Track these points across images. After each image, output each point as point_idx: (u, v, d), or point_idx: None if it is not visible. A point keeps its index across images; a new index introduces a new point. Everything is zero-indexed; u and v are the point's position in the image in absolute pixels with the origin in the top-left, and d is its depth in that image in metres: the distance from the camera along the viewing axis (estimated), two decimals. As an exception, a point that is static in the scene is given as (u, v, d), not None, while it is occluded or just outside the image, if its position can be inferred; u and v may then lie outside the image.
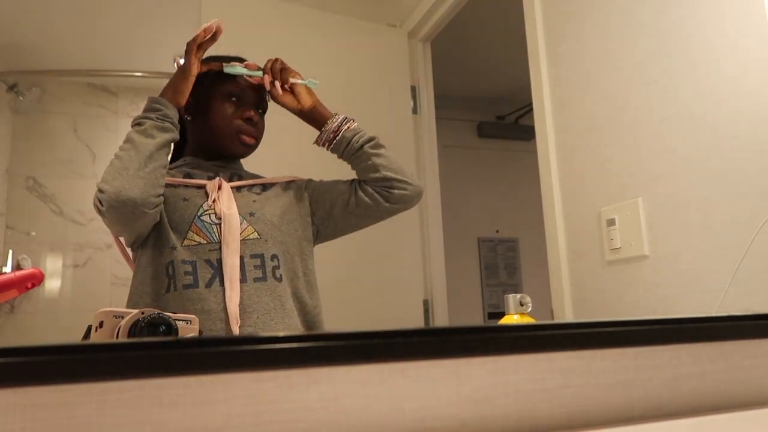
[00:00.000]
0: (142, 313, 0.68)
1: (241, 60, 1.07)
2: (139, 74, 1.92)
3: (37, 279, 0.81)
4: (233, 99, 1.03)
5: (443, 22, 1.86)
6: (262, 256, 0.96)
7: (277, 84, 1.03)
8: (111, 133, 1.87)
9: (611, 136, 1.20)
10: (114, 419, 0.43)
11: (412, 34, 1.93)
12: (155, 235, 0.96)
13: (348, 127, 1.04)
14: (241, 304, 0.92)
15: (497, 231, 2.82)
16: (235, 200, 0.99)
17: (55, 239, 1.77)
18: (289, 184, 1.08)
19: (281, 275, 0.98)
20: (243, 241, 0.95)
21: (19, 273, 0.77)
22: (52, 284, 1.77)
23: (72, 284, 1.77)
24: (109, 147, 1.85)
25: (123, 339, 0.66)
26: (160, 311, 0.69)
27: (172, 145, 0.97)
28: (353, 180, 1.06)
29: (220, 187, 0.99)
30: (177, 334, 0.69)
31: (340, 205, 1.05)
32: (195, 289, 0.93)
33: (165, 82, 1.01)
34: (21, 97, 1.80)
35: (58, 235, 1.77)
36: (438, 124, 1.94)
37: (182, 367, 0.45)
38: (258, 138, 1.06)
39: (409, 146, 1.86)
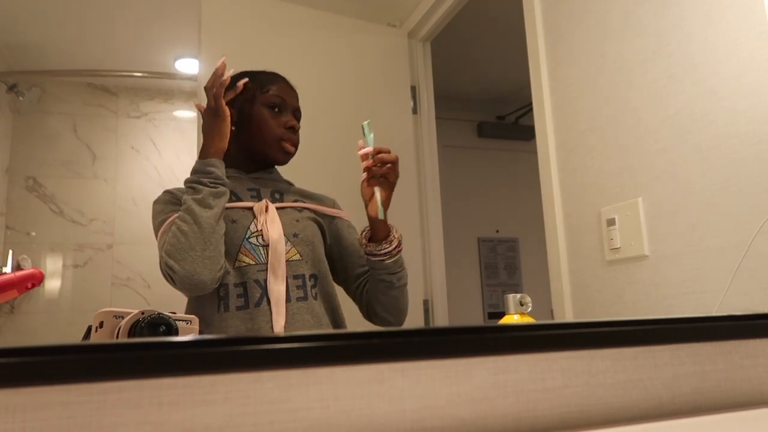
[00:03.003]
0: (142, 313, 0.68)
1: (275, 75, 1.10)
2: (139, 74, 1.92)
3: (37, 279, 0.81)
4: (275, 108, 1.07)
5: (443, 22, 1.85)
6: (303, 277, 1.01)
7: (365, 174, 1.01)
8: (111, 133, 1.87)
9: (611, 136, 1.20)
10: (114, 419, 0.43)
11: (412, 34, 1.93)
12: None
13: (394, 258, 1.05)
14: (285, 323, 0.97)
15: (497, 231, 2.82)
16: (280, 218, 1.02)
17: (55, 239, 1.77)
18: (326, 217, 1.11)
19: (317, 293, 1.02)
20: (287, 262, 0.99)
21: (19, 273, 0.77)
22: (52, 284, 1.77)
23: (72, 284, 1.77)
24: (109, 147, 1.86)
25: (123, 339, 0.66)
26: (160, 311, 0.69)
27: None
28: (365, 272, 1.08)
29: (267, 209, 1.02)
30: (177, 334, 0.69)
31: (340, 271, 1.10)
32: (246, 309, 0.97)
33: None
34: (21, 97, 1.80)
35: (58, 235, 1.77)
36: (438, 124, 1.94)
37: (182, 367, 0.45)
38: (297, 146, 1.09)
39: (409, 146, 1.86)
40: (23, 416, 0.41)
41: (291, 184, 1.13)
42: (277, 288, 0.97)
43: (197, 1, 1.56)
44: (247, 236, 1.00)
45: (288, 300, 0.98)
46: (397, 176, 1.01)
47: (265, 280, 0.98)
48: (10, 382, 0.41)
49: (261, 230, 1.00)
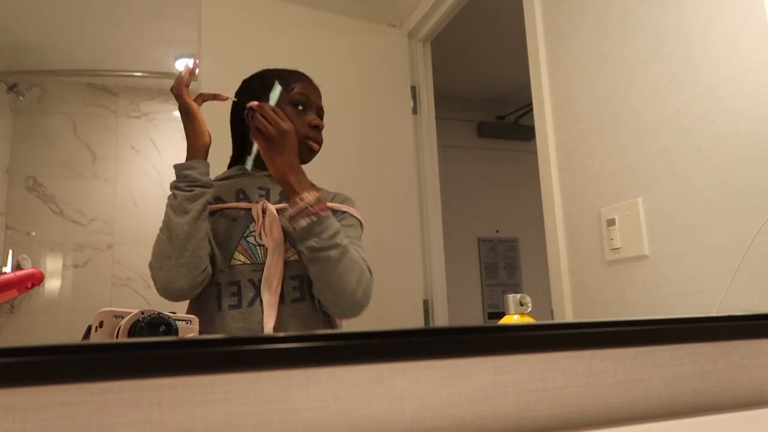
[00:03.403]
0: (142, 313, 0.68)
1: (299, 73, 1.09)
2: (139, 74, 1.92)
3: (37, 279, 0.81)
4: (299, 107, 1.06)
5: (443, 22, 1.85)
6: (301, 277, 1.00)
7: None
8: (111, 133, 1.87)
9: (611, 136, 1.20)
10: (114, 419, 0.43)
11: (412, 34, 1.93)
12: None
13: (301, 224, 0.94)
14: (278, 324, 0.96)
15: (497, 231, 2.82)
16: (281, 220, 1.00)
17: (55, 239, 1.77)
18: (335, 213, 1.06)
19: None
20: (286, 262, 0.98)
21: (19, 273, 0.77)
22: (52, 284, 1.77)
23: (72, 284, 1.77)
24: (109, 147, 1.86)
25: (123, 339, 0.66)
26: (160, 311, 0.69)
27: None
28: None
29: (264, 211, 1.00)
30: (177, 334, 0.69)
31: None
32: (239, 309, 0.97)
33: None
34: (21, 97, 1.80)
35: (58, 235, 1.77)
36: (438, 124, 1.94)
37: (182, 367, 0.45)
38: (321, 144, 1.08)
39: (409, 146, 1.86)
40: (23, 416, 0.41)
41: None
42: (271, 289, 0.97)
43: (197, 1, 1.56)
44: (245, 235, 1.00)
45: (282, 301, 0.97)
46: (268, 131, 0.94)
47: (260, 280, 0.97)
48: (10, 382, 0.41)
49: (260, 232, 1.00)
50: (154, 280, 0.93)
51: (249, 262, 0.99)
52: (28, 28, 1.74)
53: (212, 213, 1.03)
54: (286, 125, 0.95)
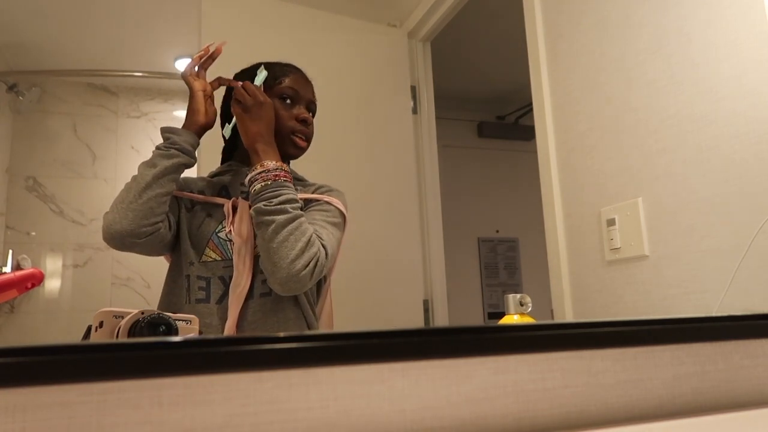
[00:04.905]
0: (142, 313, 0.68)
1: (289, 66, 1.09)
2: (139, 74, 1.92)
3: (37, 279, 0.81)
4: (287, 101, 1.05)
5: (443, 22, 1.85)
6: None
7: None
8: (111, 133, 1.87)
9: (611, 136, 1.20)
10: (114, 419, 0.43)
11: (412, 34, 1.93)
12: (178, 249, 1.01)
13: (255, 188, 0.95)
14: (246, 320, 0.95)
15: (497, 231, 2.82)
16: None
17: (55, 239, 1.77)
18: (310, 203, 1.04)
19: None
20: (257, 257, 0.97)
21: (19, 273, 0.77)
22: (52, 284, 1.77)
23: (72, 284, 1.77)
24: (109, 147, 1.86)
25: (123, 339, 0.66)
26: (160, 311, 0.69)
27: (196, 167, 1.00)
28: None
29: (235, 208, 1.00)
30: (177, 333, 0.69)
31: None
32: (206, 304, 0.97)
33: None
34: (21, 97, 1.80)
35: (58, 235, 1.77)
36: (438, 124, 1.94)
37: (182, 367, 0.45)
38: (310, 139, 1.07)
39: (409, 146, 1.86)
40: (23, 416, 0.41)
41: (301, 180, 1.09)
42: (240, 286, 0.96)
43: (197, 1, 1.57)
44: (217, 230, 1.00)
45: (251, 296, 0.96)
46: (245, 100, 0.98)
47: (230, 278, 0.97)
48: (10, 382, 0.41)
49: (230, 228, 0.99)
50: (102, 227, 0.92)
51: (220, 258, 0.99)
52: (28, 28, 1.74)
53: (191, 206, 1.03)
54: (263, 98, 0.99)
